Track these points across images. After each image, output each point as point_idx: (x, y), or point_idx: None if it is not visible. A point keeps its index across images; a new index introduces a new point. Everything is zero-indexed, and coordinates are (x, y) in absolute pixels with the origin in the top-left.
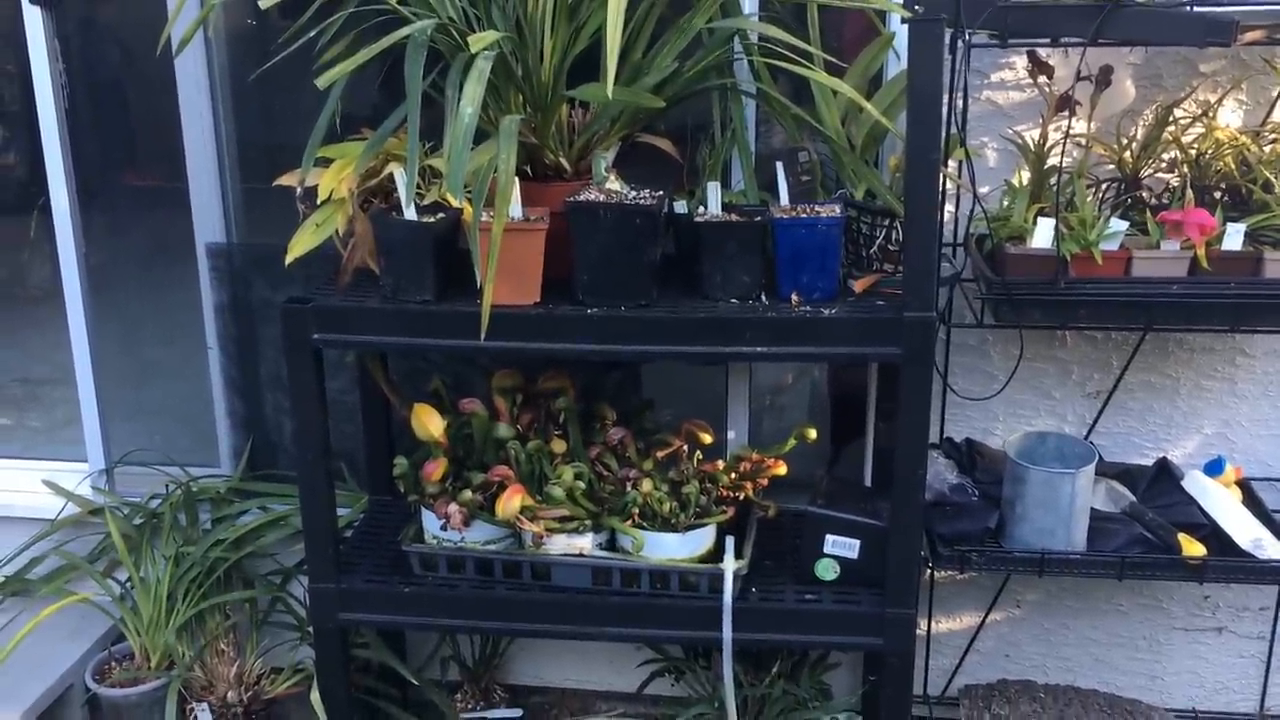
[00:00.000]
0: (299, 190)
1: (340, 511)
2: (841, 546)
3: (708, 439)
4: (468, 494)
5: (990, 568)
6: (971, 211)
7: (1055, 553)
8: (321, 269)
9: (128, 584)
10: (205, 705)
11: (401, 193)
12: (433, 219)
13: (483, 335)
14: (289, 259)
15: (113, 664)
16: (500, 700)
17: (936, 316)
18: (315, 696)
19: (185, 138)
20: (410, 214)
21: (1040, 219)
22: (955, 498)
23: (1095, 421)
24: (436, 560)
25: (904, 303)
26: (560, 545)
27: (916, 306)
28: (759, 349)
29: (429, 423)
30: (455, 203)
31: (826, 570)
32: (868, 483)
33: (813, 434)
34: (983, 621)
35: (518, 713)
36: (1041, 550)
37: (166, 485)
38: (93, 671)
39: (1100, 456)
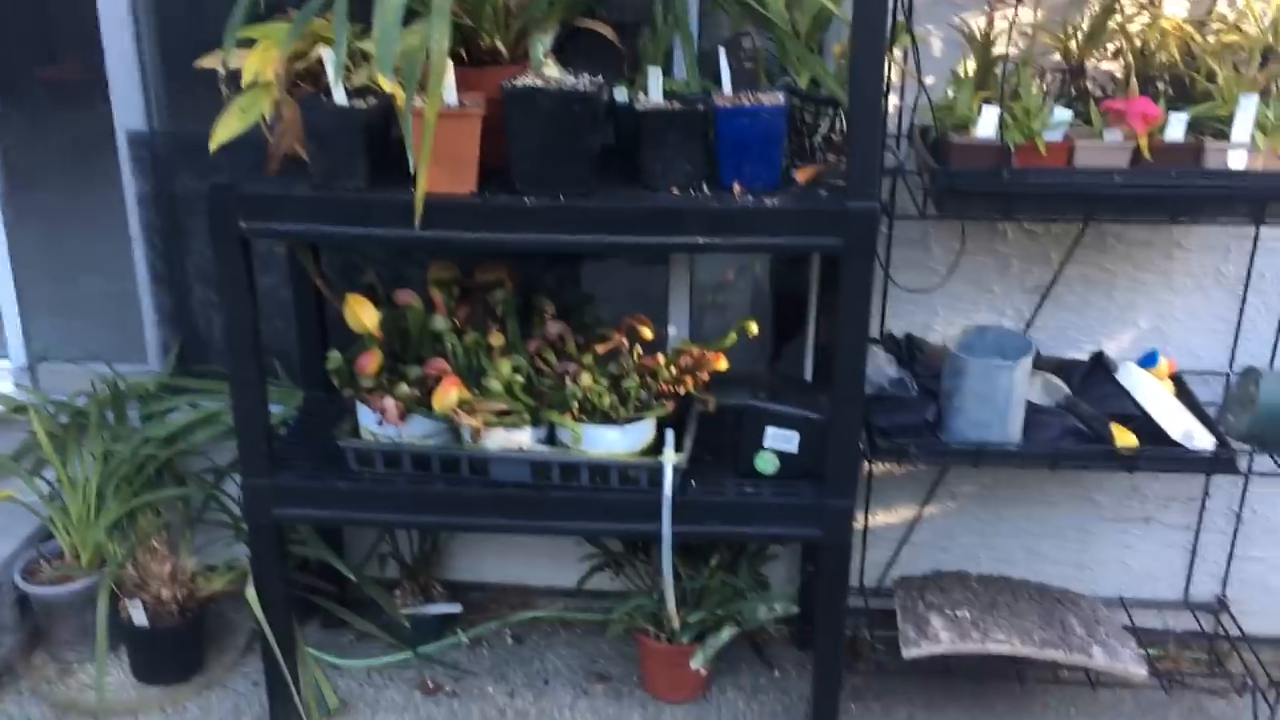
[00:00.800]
0: (222, 73)
1: (274, 408)
2: (781, 440)
3: (648, 334)
4: (404, 388)
5: (928, 459)
6: (916, 102)
7: (991, 445)
8: (249, 157)
9: (56, 483)
10: (138, 601)
11: (330, 75)
12: (364, 104)
13: (417, 223)
14: (213, 146)
15: (42, 562)
16: (440, 596)
17: (880, 207)
18: (251, 593)
19: (101, 17)
20: (340, 98)
21: (985, 108)
22: (894, 391)
23: (1034, 316)
24: (373, 455)
25: (847, 193)
26: (499, 440)
27: (860, 197)
28: (700, 239)
29: (362, 314)
30: (386, 86)
31: (766, 464)
32: (808, 378)
33: (754, 328)
34: (919, 514)
35: (457, 607)
36: (978, 442)
37: (93, 383)
38: (21, 570)
39: (1038, 350)
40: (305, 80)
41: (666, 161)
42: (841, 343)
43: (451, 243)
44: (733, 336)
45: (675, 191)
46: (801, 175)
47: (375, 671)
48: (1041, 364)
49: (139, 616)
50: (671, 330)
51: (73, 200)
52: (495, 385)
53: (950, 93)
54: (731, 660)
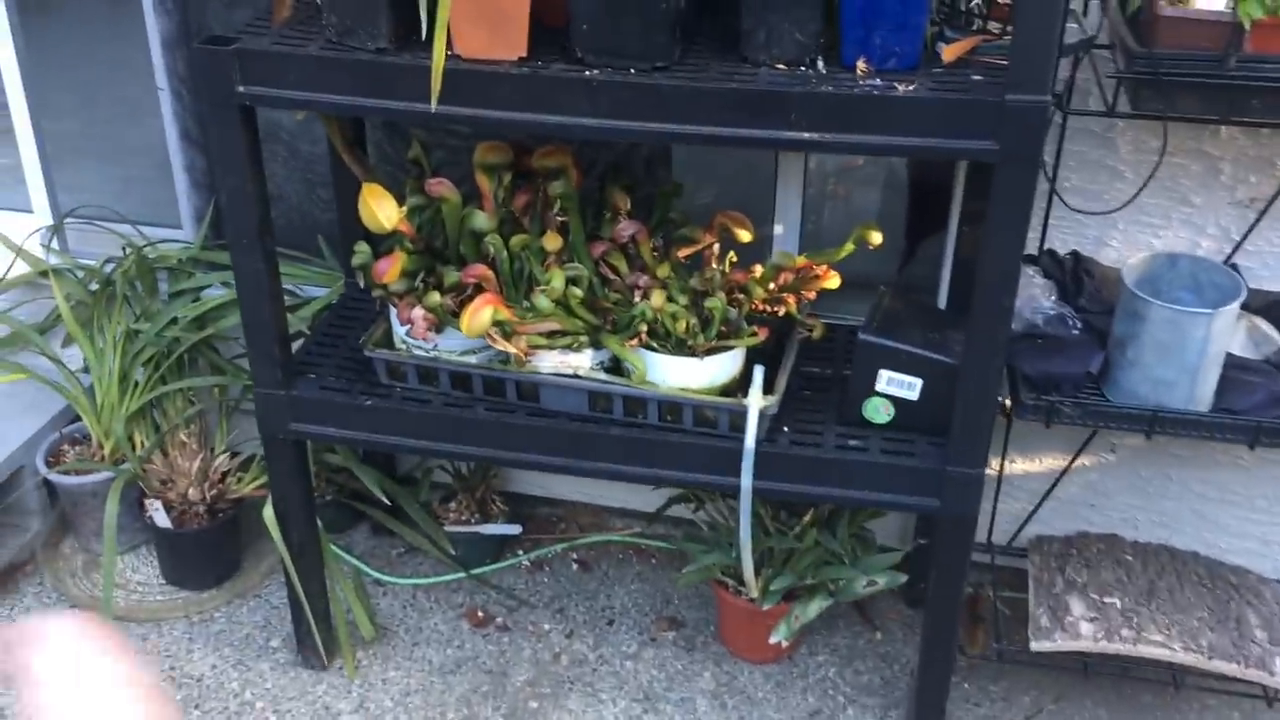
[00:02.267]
0: None
1: (315, 292)
2: (899, 385)
3: (746, 235)
4: (435, 297)
5: (1085, 422)
6: None
7: (1171, 411)
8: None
9: (84, 360)
10: (158, 504)
11: None
12: None
13: (434, 102)
14: None
15: (66, 447)
16: (499, 514)
17: (1051, 101)
18: (269, 513)
19: None
20: None
21: None
22: (1050, 330)
23: (1244, 238)
24: (404, 370)
25: (1009, 79)
26: (552, 362)
27: (1026, 86)
28: (807, 135)
29: (378, 209)
30: None
31: (877, 412)
32: (941, 303)
33: (876, 237)
34: (1068, 465)
35: (516, 529)
36: (1155, 406)
37: (124, 249)
38: (45, 454)
39: (1246, 288)
40: None
41: (771, 27)
42: (985, 270)
43: (492, 123)
44: (849, 246)
45: (781, 68)
46: (949, 52)
47: (421, 592)
48: (1250, 303)
49: (161, 518)
50: (778, 229)
51: (93, 31)
52: (544, 302)
53: None
54: (827, 615)
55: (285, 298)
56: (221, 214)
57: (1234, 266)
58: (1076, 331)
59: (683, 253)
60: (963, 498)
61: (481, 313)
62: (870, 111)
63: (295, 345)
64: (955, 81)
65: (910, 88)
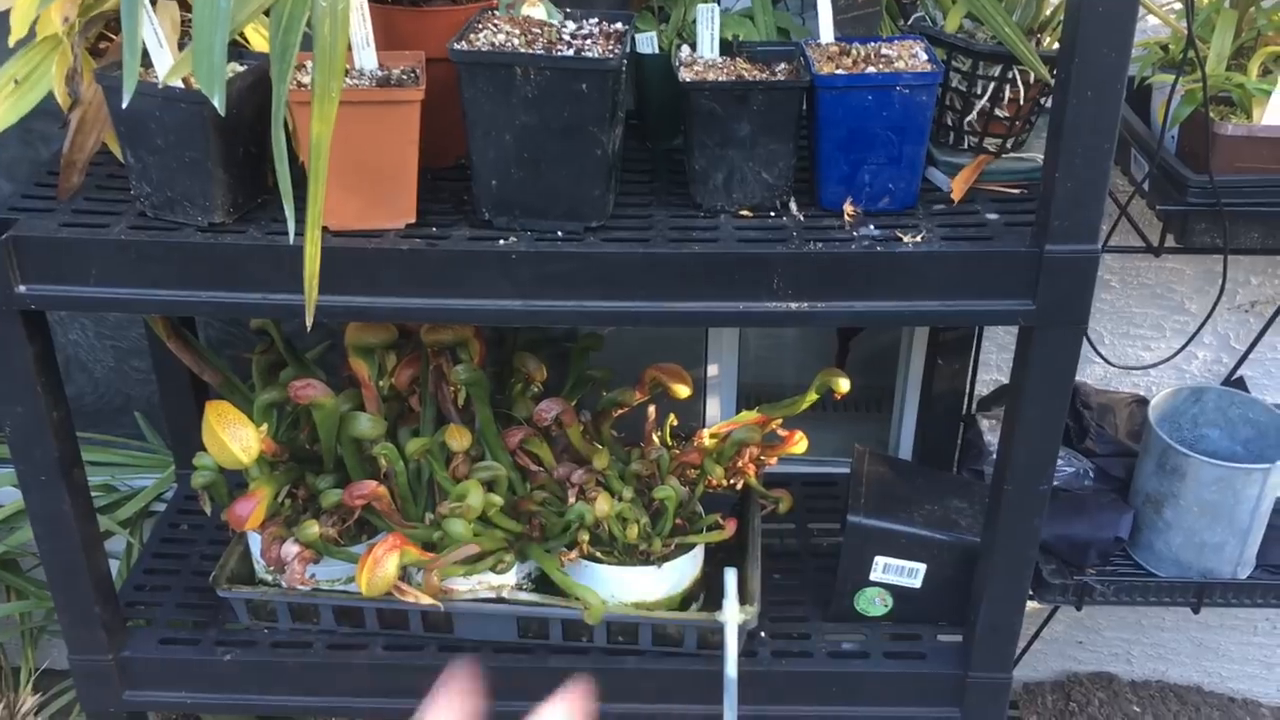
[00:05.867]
0: None
1: (139, 483)
2: (897, 572)
3: (684, 390)
4: (313, 529)
5: (1121, 599)
6: (1185, 60)
7: (1221, 580)
8: (30, 163)
9: None
10: None
11: (147, 34)
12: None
13: (308, 319)
14: None
15: None
16: None
17: (1100, 251)
18: None
19: None
20: (163, 68)
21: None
22: (1061, 484)
23: (1250, 349)
24: (273, 608)
25: (1049, 226)
26: (468, 584)
27: (1072, 234)
28: (791, 306)
29: (231, 439)
30: (255, 41)
31: (872, 604)
32: (903, 442)
33: (843, 384)
34: (1054, 610)
35: None
36: (1201, 575)
37: None
38: None
39: None
40: (119, 32)
41: (733, 167)
42: (1019, 451)
43: (380, 314)
44: (812, 395)
45: (746, 214)
46: (958, 185)
47: None
48: None
49: None
50: (712, 371)
51: None
52: (459, 528)
53: (1210, 50)
54: None
55: (98, 494)
56: (9, 446)
57: (1240, 380)
58: (1089, 482)
59: (615, 413)
60: (989, 707)
61: (385, 564)
62: (874, 273)
63: (116, 566)
64: (968, 224)
65: (918, 238)
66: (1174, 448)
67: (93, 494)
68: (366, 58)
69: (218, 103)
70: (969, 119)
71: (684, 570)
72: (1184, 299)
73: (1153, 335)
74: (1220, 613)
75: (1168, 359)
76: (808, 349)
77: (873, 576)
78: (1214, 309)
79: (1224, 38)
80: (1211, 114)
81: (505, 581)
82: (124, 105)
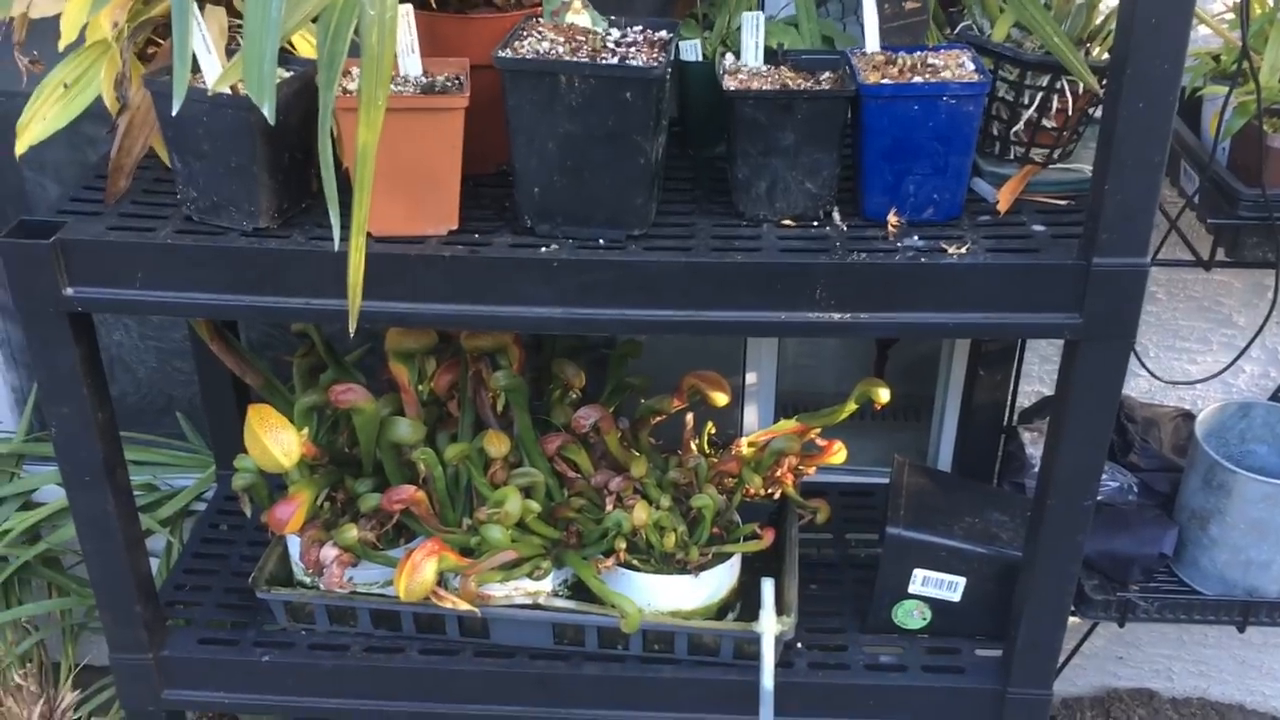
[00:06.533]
0: (16, 31)
1: (181, 482)
2: (937, 585)
3: (722, 398)
4: (351, 533)
5: (1165, 617)
6: (1239, 72)
7: (1268, 598)
8: (81, 166)
9: None
10: None
11: (197, 40)
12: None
13: (351, 326)
14: (20, 148)
15: None
16: None
17: (1149, 265)
18: None
19: None
20: (211, 74)
21: None
22: (1105, 499)
23: None
24: (311, 610)
25: (1097, 239)
26: (505, 590)
27: (1120, 247)
28: (834, 317)
29: (273, 443)
30: (304, 48)
31: (910, 616)
32: (942, 453)
33: (883, 394)
34: (1094, 624)
35: None
36: (1247, 593)
37: None
38: None
39: None
40: (165, 34)
41: (776, 176)
42: (1062, 466)
43: (423, 319)
44: (851, 405)
45: (789, 224)
46: (1004, 196)
47: None
48: None
49: None
50: (750, 379)
51: None
52: (497, 534)
53: (1264, 61)
54: None
55: (140, 493)
56: (54, 445)
57: None
58: (1133, 497)
59: (653, 420)
60: None
61: (423, 569)
62: (918, 284)
63: (157, 564)
64: (1014, 235)
65: (962, 250)
66: (1221, 464)
67: (134, 493)
68: (411, 64)
69: (268, 111)
70: (1016, 129)
71: (721, 579)
72: (1232, 312)
73: (1199, 348)
74: (1265, 631)
75: (1216, 374)
76: (846, 357)
77: (911, 589)
78: (1265, 323)
79: (1278, 49)
80: (1265, 126)
81: (542, 588)
82: (174, 113)
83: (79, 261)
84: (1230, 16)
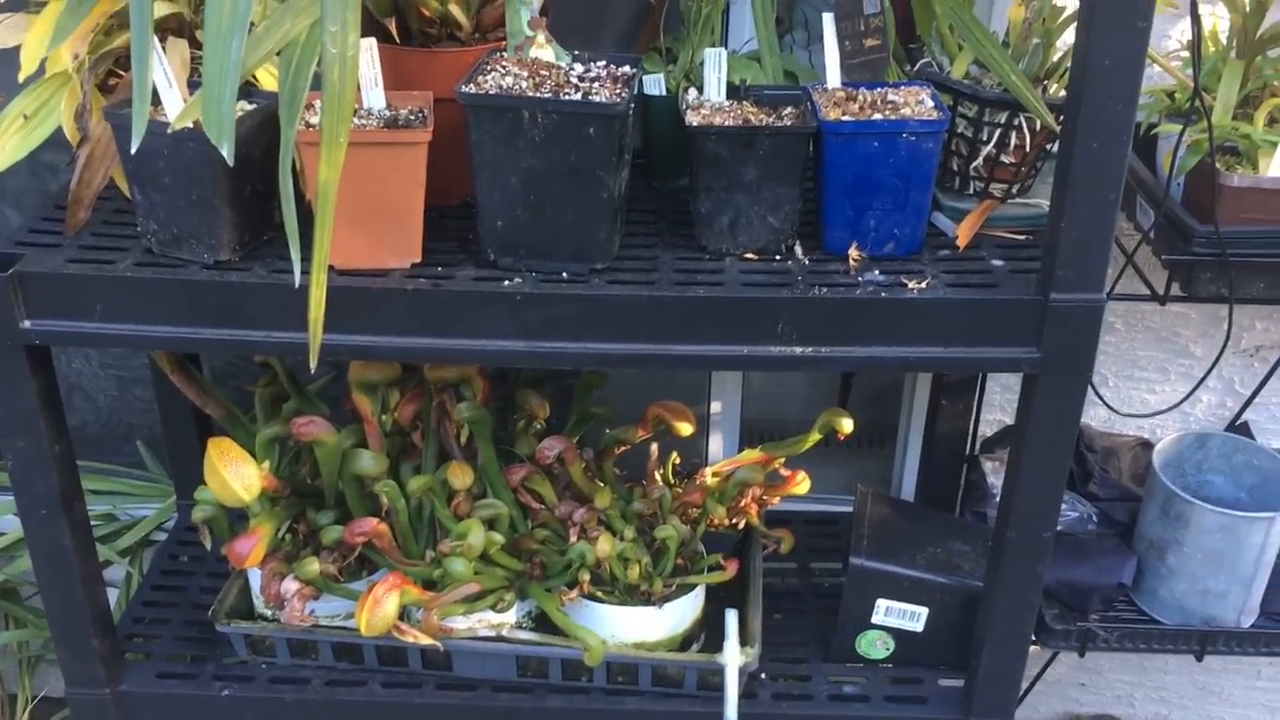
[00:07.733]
0: None
1: (140, 512)
2: (899, 615)
3: (687, 428)
4: (313, 566)
5: (1123, 646)
6: (1193, 110)
7: (1225, 628)
8: (39, 195)
9: None
10: None
11: (158, 74)
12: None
13: (312, 361)
14: None
15: None
16: None
17: (1105, 300)
18: None
19: None
20: (173, 108)
21: None
22: (1064, 528)
23: (1254, 394)
24: (272, 643)
25: (1054, 275)
26: (466, 621)
27: (1077, 283)
28: (796, 351)
29: (233, 477)
30: (266, 81)
31: (873, 647)
32: (905, 482)
33: (847, 425)
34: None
35: None
36: (1204, 623)
37: None
38: None
39: None
40: (128, 69)
41: (738, 211)
42: (1021, 498)
43: (385, 353)
44: (815, 435)
45: (751, 258)
46: (964, 231)
47: None
48: None
49: None
50: (715, 408)
51: None
52: (460, 567)
53: (1216, 100)
54: None
55: (99, 523)
56: (10, 478)
57: (1244, 425)
58: (1093, 526)
59: (617, 450)
60: None
61: (385, 604)
62: (879, 318)
63: (116, 595)
64: (973, 270)
65: (923, 284)
66: (1178, 494)
67: (93, 523)
68: (375, 98)
69: (226, 153)
70: (975, 164)
71: (685, 611)
72: (1189, 343)
73: (1157, 378)
74: (1224, 658)
75: (1173, 406)
76: (811, 385)
77: (875, 619)
78: (1220, 356)
79: (1230, 88)
80: (1218, 164)
81: (505, 620)
82: (133, 149)
83: (37, 294)
84: (1184, 54)
